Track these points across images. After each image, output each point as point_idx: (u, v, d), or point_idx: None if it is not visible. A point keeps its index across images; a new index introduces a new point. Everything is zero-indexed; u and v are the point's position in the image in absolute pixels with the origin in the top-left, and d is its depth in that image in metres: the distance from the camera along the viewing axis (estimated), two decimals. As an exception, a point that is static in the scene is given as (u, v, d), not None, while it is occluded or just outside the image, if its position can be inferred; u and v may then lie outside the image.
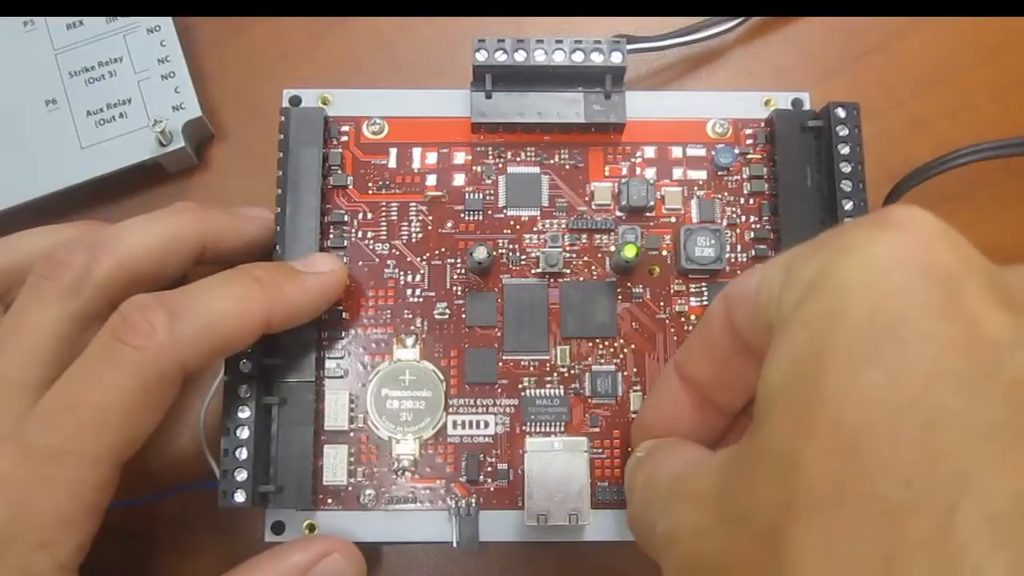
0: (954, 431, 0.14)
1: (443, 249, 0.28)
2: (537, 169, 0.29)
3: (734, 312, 0.20)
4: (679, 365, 0.23)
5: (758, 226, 0.29)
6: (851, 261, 0.16)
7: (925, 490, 0.13)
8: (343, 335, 0.28)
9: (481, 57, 0.28)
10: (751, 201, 0.29)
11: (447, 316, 0.28)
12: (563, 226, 0.29)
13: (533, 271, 0.28)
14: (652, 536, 0.19)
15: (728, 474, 0.17)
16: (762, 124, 0.29)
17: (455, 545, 0.26)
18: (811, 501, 0.14)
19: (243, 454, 0.25)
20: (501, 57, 0.28)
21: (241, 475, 0.25)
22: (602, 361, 0.28)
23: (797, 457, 0.15)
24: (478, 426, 0.27)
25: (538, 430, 0.27)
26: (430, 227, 0.28)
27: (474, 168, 0.29)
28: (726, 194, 0.29)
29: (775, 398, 0.16)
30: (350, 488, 0.27)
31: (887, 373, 0.14)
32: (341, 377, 0.27)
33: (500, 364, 0.27)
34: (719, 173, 0.29)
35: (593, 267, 0.28)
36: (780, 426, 0.16)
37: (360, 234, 0.28)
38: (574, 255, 0.28)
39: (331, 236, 0.28)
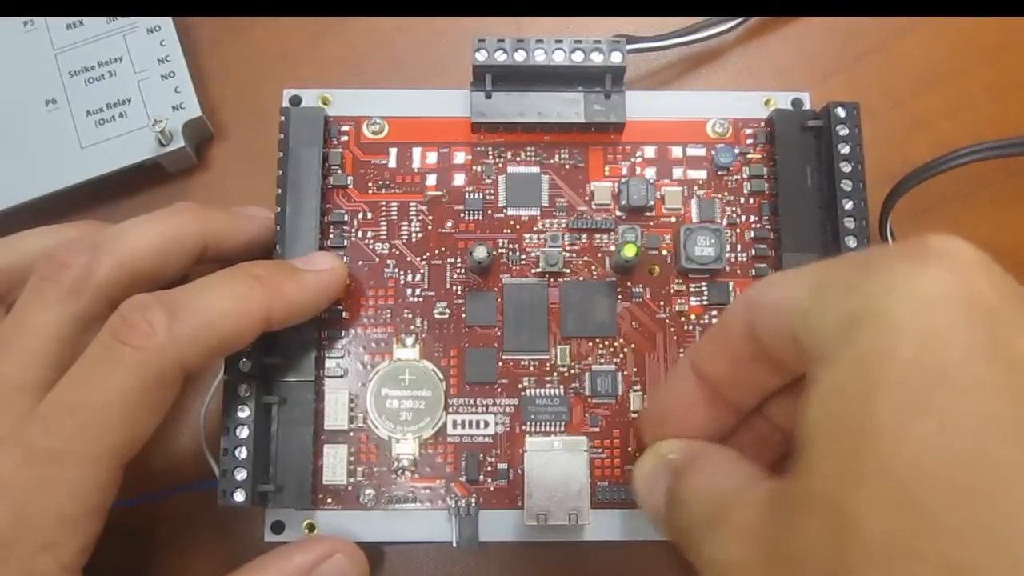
0: (1009, 484, 0.13)
1: (443, 249, 0.28)
2: (537, 169, 0.29)
3: (756, 318, 0.20)
4: (694, 361, 0.23)
5: (758, 226, 0.29)
6: (895, 298, 0.16)
7: (989, 549, 0.13)
8: (343, 334, 0.28)
9: (481, 57, 0.28)
10: (751, 201, 0.29)
11: (447, 316, 0.28)
12: (563, 226, 0.29)
13: (533, 271, 0.28)
14: (697, 558, 0.19)
15: (776, 513, 0.17)
16: (762, 124, 0.30)
17: (455, 545, 0.26)
18: (868, 555, 0.14)
19: (243, 453, 0.25)
20: (501, 57, 0.28)
21: (241, 474, 0.25)
22: (602, 361, 0.28)
23: (849, 506, 0.15)
24: (478, 426, 0.27)
25: (538, 430, 0.27)
26: (430, 227, 0.29)
27: (474, 168, 0.29)
28: (726, 194, 0.29)
29: (819, 437, 0.16)
30: (350, 488, 0.27)
31: (938, 420, 0.14)
32: (341, 376, 0.27)
33: (500, 364, 0.27)
34: (719, 173, 0.29)
35: (593, 267, 0.28)
36: (828, 469, 0.15)
37: (360, 234, 0.28)
38: (574, 255, 0.28)
39: (331, 236, 0.28)
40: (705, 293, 0.28)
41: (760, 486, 0.18)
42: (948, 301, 0.15)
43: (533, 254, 0.28)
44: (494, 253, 0.28)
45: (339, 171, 0.29)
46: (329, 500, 0.26)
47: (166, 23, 0.32)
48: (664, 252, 0.29)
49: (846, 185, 0.27)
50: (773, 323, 0.19)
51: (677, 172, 0.29)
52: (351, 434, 0.27)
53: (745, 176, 0.29)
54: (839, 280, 0.17)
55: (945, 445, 0.14)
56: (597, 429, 0.27)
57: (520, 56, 0.28)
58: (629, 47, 0.28)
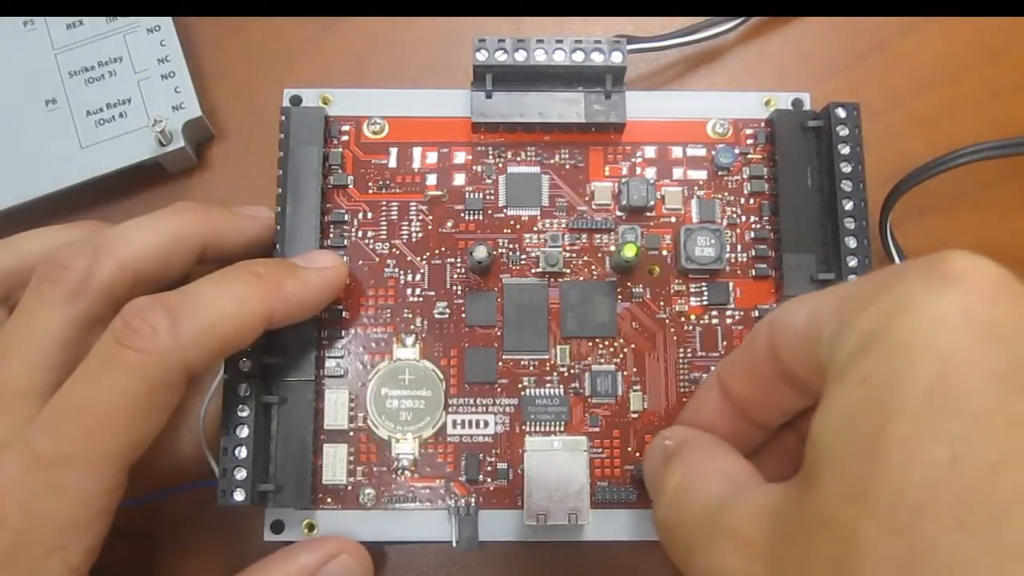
0: (1016, 525, 0.13)
1: (443, 249, 0.28)
2: (537, 169, 0.29)
3: (779, 338, 0.20)
4: (721, 377, 0.22)
5: (758, 226, 0.29)
6: (912, 318, 0.15)
7: None
8: (343, 334, 0.28)
9: (481, 57, 0.28)
10: (751, 201, 0.29)
11: (447, 315, 0.28)
12: (563, 226, 0.29)
13: (533, 271, 0.28)
14: (688, 561, 0.19)
15: (780, 529, 0.17)
16: (762, 124, 0.30)
17: (455, 544, 0.26)
18: None
19: (242, 453, 0.25)
20: (501, 57, 0.28)
21: (240, 474, 0.25)
22: (602, 361, 0.28)
23: (854, 529, 0.14)
24: (478, 425, 0.27)
25: (538, 429, 0.27)
26: (430, 227, 0.29)
27: (474, 168, 0.29)
28: (726, 194, 0.29)
29: (828, 456, 0.16)
30: (349, 487, 0.27)
31: (951, 450, 0.14)
32: (341, 376, 0.27)
33: (500, 364, 0.27)
34: (719, 173, 0.29)
35: (593, 267, 0.28)
36: (835, 489, 0.15)
37: (360, 233, 0.28)
38: (574, 255, 0.28)
39: (331, 235, 0.28)
40: (705, 293, 0.28)
41: (760, 494, 0.18)
42: (965, 324, 0.15)
43: (533, 254, 0.28)
44: (494, 253, 0.28)
45: (339, 171, 0.29)
46: (329, 500, 0.26)
47: (166, 23, 0.32)
48: (664, 252, 0.29)
49: (846, 185, 0.27)
50: (795, 345, 0.19)
51: (677, 172, 0.29)
52: (351, 434, 0.27)
53: (745, 176, 0.29)
54: (858, 297, 0.17)
55: (957, 478, 0.14)
56: (597, 429, 0.27)
57: (520, 56, 0.28)
58: (629, 47, 0.28)
